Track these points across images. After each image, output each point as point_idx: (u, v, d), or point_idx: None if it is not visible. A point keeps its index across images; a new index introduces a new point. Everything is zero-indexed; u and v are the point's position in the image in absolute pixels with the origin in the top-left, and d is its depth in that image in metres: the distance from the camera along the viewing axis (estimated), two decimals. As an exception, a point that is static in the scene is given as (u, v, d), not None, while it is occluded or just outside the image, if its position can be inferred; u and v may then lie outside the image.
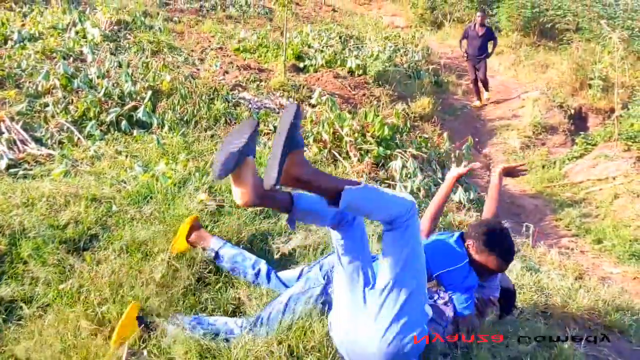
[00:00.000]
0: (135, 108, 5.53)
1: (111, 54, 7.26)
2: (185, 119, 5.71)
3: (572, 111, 10.57)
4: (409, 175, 5.75)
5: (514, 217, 6.63)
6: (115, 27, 8.98)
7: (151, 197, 3.79)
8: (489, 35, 11.25)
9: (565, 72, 11.67)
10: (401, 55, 11.53)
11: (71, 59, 6.77)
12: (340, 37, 10.83)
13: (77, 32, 7.95)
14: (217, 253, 3.19)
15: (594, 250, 6.08)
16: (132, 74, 6.29)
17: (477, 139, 9.58)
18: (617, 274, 5.45)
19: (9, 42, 6.99)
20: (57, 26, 8.03)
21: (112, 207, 3.60)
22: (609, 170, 8.20)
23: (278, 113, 6.58)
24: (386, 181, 5.78)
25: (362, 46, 10.85)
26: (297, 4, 15.92)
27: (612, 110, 10.13)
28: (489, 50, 11.26)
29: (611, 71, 11.20)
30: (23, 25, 7.89)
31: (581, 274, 4.88)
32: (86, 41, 7.49)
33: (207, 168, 4.44)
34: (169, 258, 3.09)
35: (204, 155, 4.84)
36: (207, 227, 3.53)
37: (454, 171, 3.43)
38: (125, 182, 4.00)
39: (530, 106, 10.58)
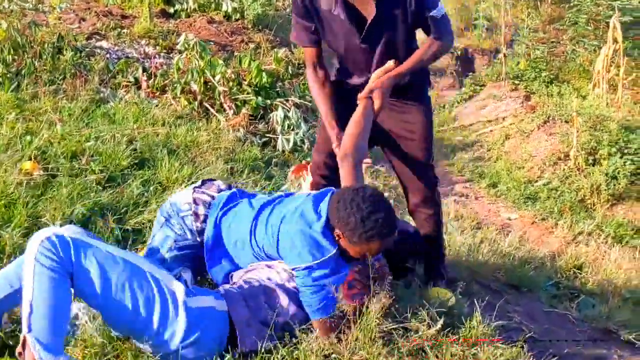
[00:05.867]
0: (-46, 61, 4.54)
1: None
2: (22, 72, 4.77)
3: (459, 52, 10.41)
4: (291, 127, 5.17)
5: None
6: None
7: (-43, 170, 2.97)
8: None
9: (449, 13, 11.43)
10: (283, -1, 10.77)
11: None
12: (215, -21, 9.87)
13: None
14: None
15: (489, 196, 5.83)
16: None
17: (366, 85, 9.17)
18: (515, 219, 5.23)
19: None
20: None
21: None
22: (498, 110, 8.06)
23: (141, 62, 5.74)
24: (267, 135, 5.19)
25: (239, -11, 9.96)
26: (170, -53, 14.64)
27: (498, 51, 10.05)
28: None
29: (494, 11, 11.12)
30: None
31: (479, 223, 4.57)
32: None
33: (41, 129, 3.63)
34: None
35: (40, 115, 3.99)
36: (29, 203, 2.78)
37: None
38: None
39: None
